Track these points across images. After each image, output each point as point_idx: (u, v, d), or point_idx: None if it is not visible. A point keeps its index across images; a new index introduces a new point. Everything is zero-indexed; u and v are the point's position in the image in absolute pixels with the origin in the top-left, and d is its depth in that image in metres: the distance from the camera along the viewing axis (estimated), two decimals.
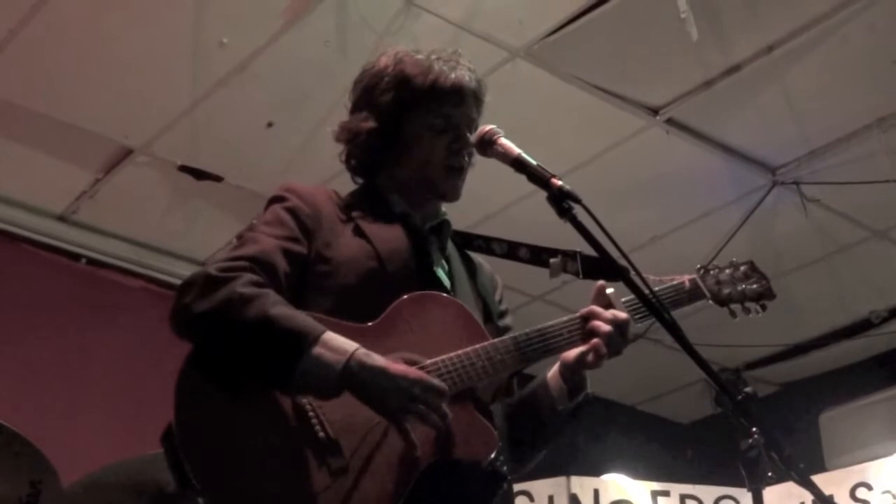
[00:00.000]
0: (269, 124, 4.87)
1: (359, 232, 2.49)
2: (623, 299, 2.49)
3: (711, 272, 2.72)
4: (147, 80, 4.70)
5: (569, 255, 2.64)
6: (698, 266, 2.69)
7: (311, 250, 2.42)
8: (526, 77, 4.70)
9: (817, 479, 2.19)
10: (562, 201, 2.31)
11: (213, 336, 2.25)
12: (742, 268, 2.77)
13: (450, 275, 2.62)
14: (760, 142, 5.22)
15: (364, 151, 2.62)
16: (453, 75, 2.64)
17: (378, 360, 2.20)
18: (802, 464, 2.16)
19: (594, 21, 4.42)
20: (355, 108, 2.65)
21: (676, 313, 2.36)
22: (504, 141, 2.46)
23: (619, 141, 5.14)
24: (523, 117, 4.70)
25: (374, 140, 2.59)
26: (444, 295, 2.46)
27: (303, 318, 2.22)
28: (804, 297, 6.34)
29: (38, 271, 5.44)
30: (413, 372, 2.21)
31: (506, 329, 2.65)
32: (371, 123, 2.59)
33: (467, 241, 2.83)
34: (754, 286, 2.76)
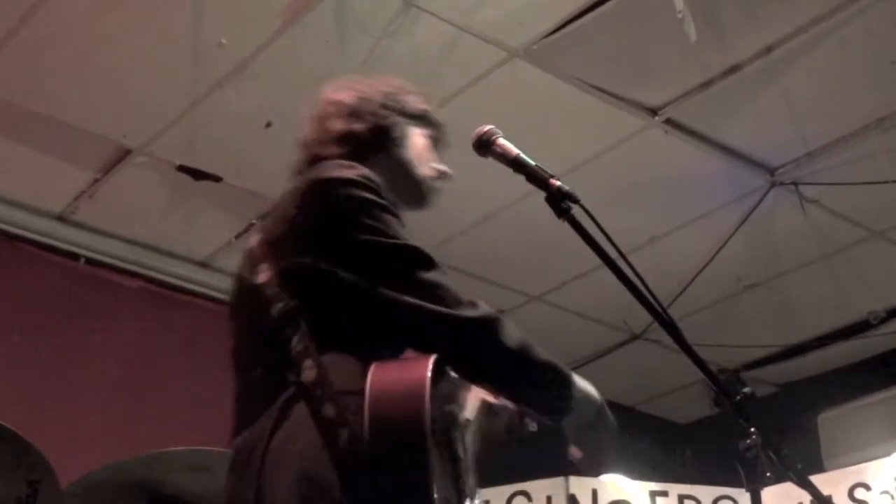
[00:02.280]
0: (268, 124, 4.87)
1: None
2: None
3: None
4: (146, 81, 4.70)
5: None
6: None
7: None
8: (525, 77, 4.71)
9: (815, 479, 2.20)
10: (560, 201, 2.31)
11: (515, 371, 2.28)
12: None
13: None
14: (759, 142, 5.22)
15: (382, 130, 2.54)
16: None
17: None
18: (801, 464, 2.17)
19: (593, 21, 4.42)
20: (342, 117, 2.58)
21: (674, 314, 2.35)
22: (502, 141, 2.46)
23: (618, 141, 5.14)
24: (522, 117, 4.70)
25: (369, 139, 2.53)
26: None
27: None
28: (802, 298, 6.35)
29: (36, 271, 5.44)
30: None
31: None
32: (361, 125, 2.54)
33: None
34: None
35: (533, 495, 5.87)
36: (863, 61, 4.70)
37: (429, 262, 2.25)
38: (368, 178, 2.29)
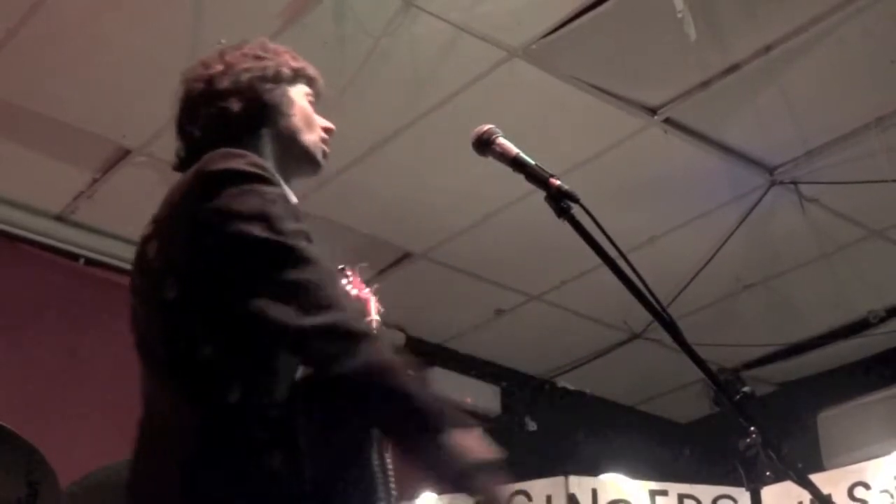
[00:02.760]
0: None
1: None
2: None
3: None
4: (145, 81, 4.70)
5: None
6: None
7: None
8: (524, 77, 4.71)
9: (815, 478, 2.20)
10: (560, 201, 2.30)
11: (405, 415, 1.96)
12: None
13: None
14: (758, 141, 5.22)
15: (261, 104, 2.38)
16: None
17: None
18: (800, 463, 2.17)
19: (592, 21, 4.42)
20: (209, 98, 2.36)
21: (673, 313, 2.35)
22: (502, 141, 2.46)
23: (618, 141, 5.14)
24: (521, 117, 4.70)
25: (275, 91, 2.39)
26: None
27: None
28: (802, 297, 6.35)
29: (36, 271, 5.44)
30: None
31: None
32: (237, 102, 2.35)
33: None
34: None
35: (533, 495, 5.87)
36: (862, 61, 4.70)
37: (299, 260, 2.00)
38: (256, 166, 2.13)
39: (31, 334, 5.24)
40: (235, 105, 2.33)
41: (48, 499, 3.51)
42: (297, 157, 2.40)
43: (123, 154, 5.11)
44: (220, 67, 2.38)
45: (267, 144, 2.35)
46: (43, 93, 4.77)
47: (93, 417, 5.16)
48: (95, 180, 5.26)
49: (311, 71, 2.50)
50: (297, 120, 2.41)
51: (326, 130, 2.48)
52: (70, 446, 4.42)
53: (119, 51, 4.55)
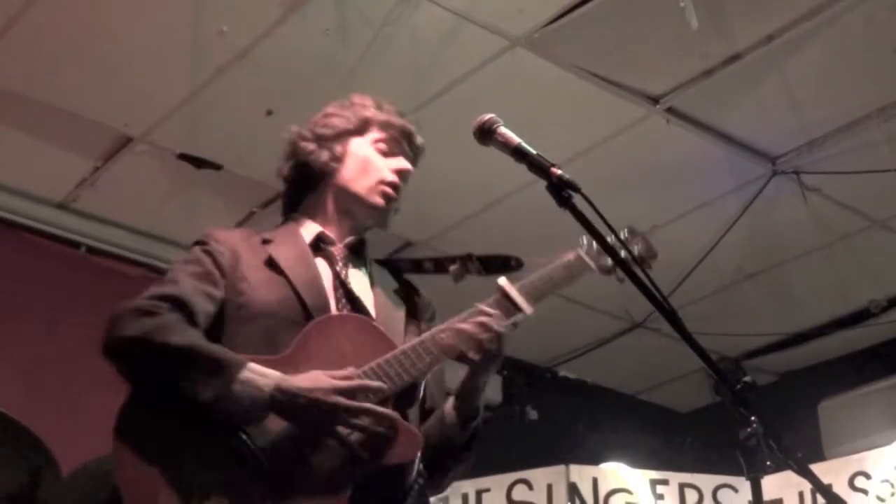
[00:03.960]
0: (269, 112, 4.86)
1: (272, 263, 2.57)
2: (517, 284, 2.57)
3: (594, 244, 2.65)
4: (147, 68, 4.70)
5: (465, 259, 2.77)
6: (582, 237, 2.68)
7: (228, 288, 2.52)
8: (526, 66, 4.70)
9: (816, 468, 2.20)
10: (561, 190, 2.31)
11: (141, 359, 2.38)
12: (622, 232, 2.70)
13: (370, 289, 2.69)
14: (760, 131, 5.22)
15: (306, 165, 2.73)
16: (403, 120, 2.82)
17: (298, 378, 2.32)
18: (801, 453, 2.17)
19: (594, 10, 4.41)
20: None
21: (675, 303, 2.35)
22: (503, 130, 2.46)
23: (619, 130, 5.13)
24: (523, 106, 4.69)
25: (321, 151, 2.71)
26: (349, 314, 2.54)
27: (226, 349, 2.35)
28: (803, 287, 6.35)
29: (37, 259, 5.44)
30: (324, 380, 2.32)
31: None
32: (324, 132, 2.74)
33: (397, 268, 2.88)
34: (636, 249, 2.71)
35: (533, 484, 5.88)
36: (864, 50, 4.69)
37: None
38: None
39: (33, 322, 5.25)
40: (286, 171, 2.77)
41: (49, 487, 3.51)
42: (354, 206, 2.71)
43: (125, 142, 5.11)
44: (294, 134, 2.78)
45: (323, 200, 2.73)
46: (44, 81, 4.77)
47: (95, 406, 5.15)
48: (97, 168, 5.26)
49: (384, 116, 2.78)
50: (350, 171, 2.70)
51: (397, 172, 2.72)
52: (71, 434, 4.42)
53: (121, 38, 4.55)
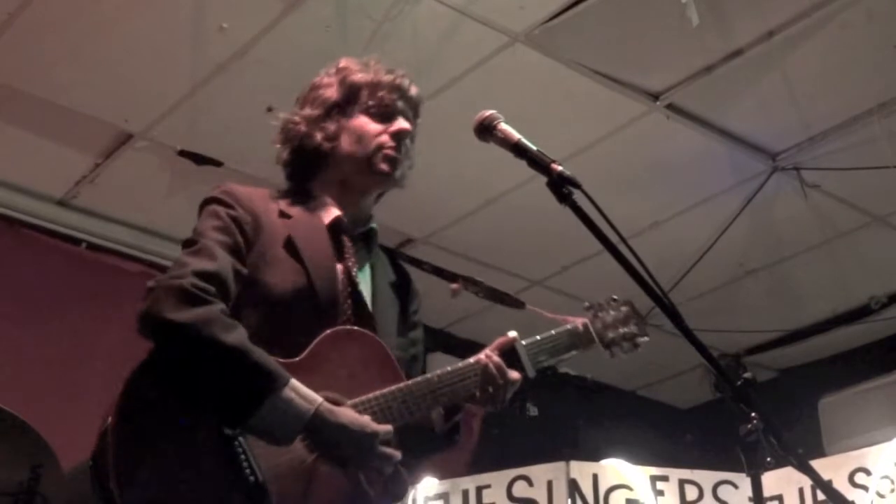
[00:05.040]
0: (269, 109, 4.84)
1: (290, 246, 2.54)
2: (524, 342, 2.63)
3: (599, 315, 2.80)
4: (147, 65, 4.70)
5: (469, 281, 2.79)
6: (587, 304, 2.78)
7: (249, 265, 2.48)
8: (526, 62, 4.70)
9: (816, 464, 2.20)
10: (562, 187, 2.31)
11: (188, 347, 2.28)
12: (623, 309, 2.87)
13: (373, 285, 2.68)
14: (761, 127, 5.22)
15: (302, 149, 2.70)
16: (392, 75, 2.76)
17: (341, 415, 2.30)
18: (801, 449, 2.17)
19: (595, 6, 4.41)
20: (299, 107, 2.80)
21: (675, 299, 2.36)
22: (504, 126, 2.46)
23: (620, 126, 5.13)
24: (523, 102, 4.70)
25: (313, 133, 2.68)
26: (365, 332, 2.52)
27: (273, 360, 2.29)
28: (804, 283, 6.35)
29: (38, 256, 5.44)
30: (370, 426, 2.32)
31: (412, 342, 2.75)
32: (313, 111, 2.72)
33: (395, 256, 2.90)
34: (633, 328, 2.90)
35: (534, 480, 5.88)
36: (864, 46, 4.69)
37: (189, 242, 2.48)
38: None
39: (33, 319, 5.25)
40: (285, 155, 2.72)
41: (50, 482, 3.52)
42: (360, 175, 2.67)
43: (125, 139, 5.11)
44: (285, 118, 2.77)
45: (333, 174, 2.68)
46: (45, 77, 4.77)
47: (95, 402, 5.15)
48: (97, 165, 5.26)
49: (371, 77, 2.73)
50: (348, 143, 2.66)
51: (395, 135, 2.67)
52: (72, 430, 4.41)
53: (121, 35, 4.55)
